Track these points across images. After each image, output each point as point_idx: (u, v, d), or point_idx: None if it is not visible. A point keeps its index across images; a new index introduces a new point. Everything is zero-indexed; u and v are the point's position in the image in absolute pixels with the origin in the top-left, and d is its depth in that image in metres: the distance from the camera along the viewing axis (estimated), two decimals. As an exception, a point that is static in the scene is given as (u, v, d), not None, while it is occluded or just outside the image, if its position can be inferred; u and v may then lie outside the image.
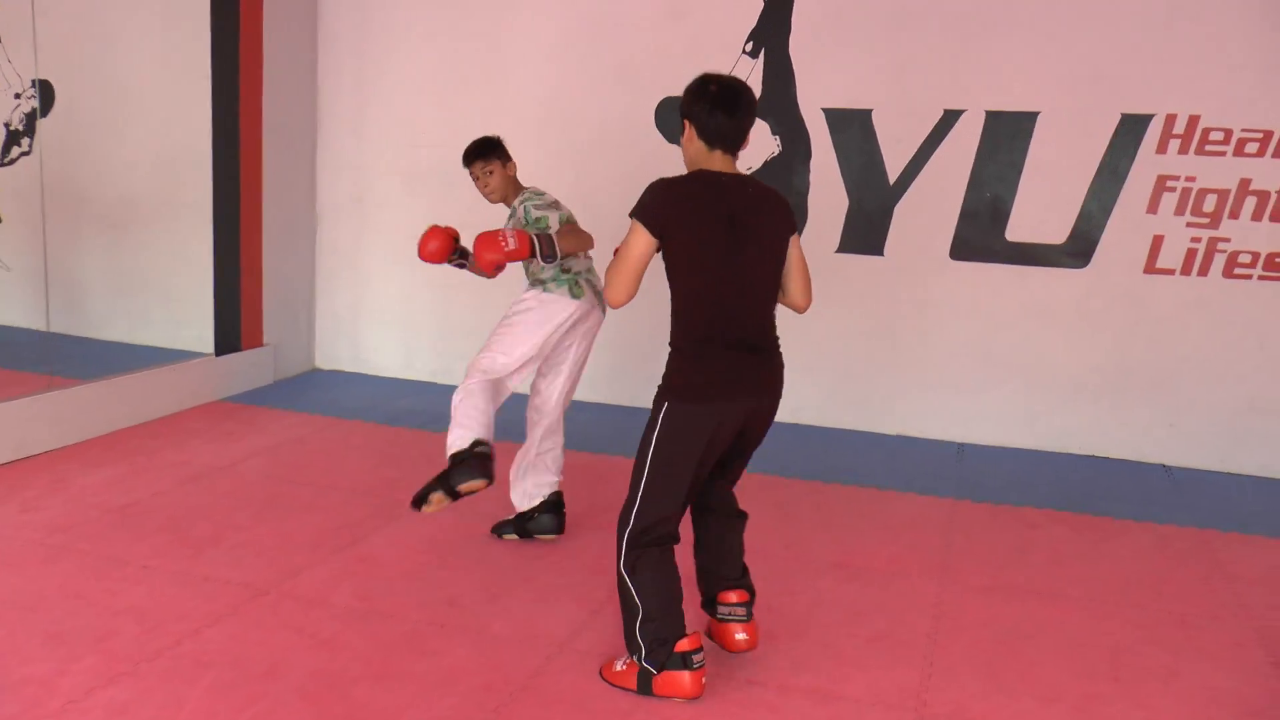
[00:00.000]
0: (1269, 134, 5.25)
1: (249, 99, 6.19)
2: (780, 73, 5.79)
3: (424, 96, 6.54)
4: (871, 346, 5.93)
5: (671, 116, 6.02)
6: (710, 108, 2.84)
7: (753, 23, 5.83)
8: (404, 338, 6.84)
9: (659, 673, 2.94)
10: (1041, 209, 5.58)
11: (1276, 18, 5.18)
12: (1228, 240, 5.39)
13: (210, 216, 6.09)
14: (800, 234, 3.07)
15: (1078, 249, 5.57)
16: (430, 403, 6.24)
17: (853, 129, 5.76)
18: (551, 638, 3.31)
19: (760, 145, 5.89)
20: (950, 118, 5.61)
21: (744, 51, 5.81)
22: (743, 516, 3.22)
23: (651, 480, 2.90)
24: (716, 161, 2.90)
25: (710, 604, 3.20)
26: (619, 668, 3.04)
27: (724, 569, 3.19)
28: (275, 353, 6.60)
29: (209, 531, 4.07)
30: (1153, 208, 5.44)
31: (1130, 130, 5.40)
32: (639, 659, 2.96)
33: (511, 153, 4.16)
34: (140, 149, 6.60)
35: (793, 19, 5.78)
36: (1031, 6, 5.46)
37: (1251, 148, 5.29)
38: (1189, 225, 5.42)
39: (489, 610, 3.49)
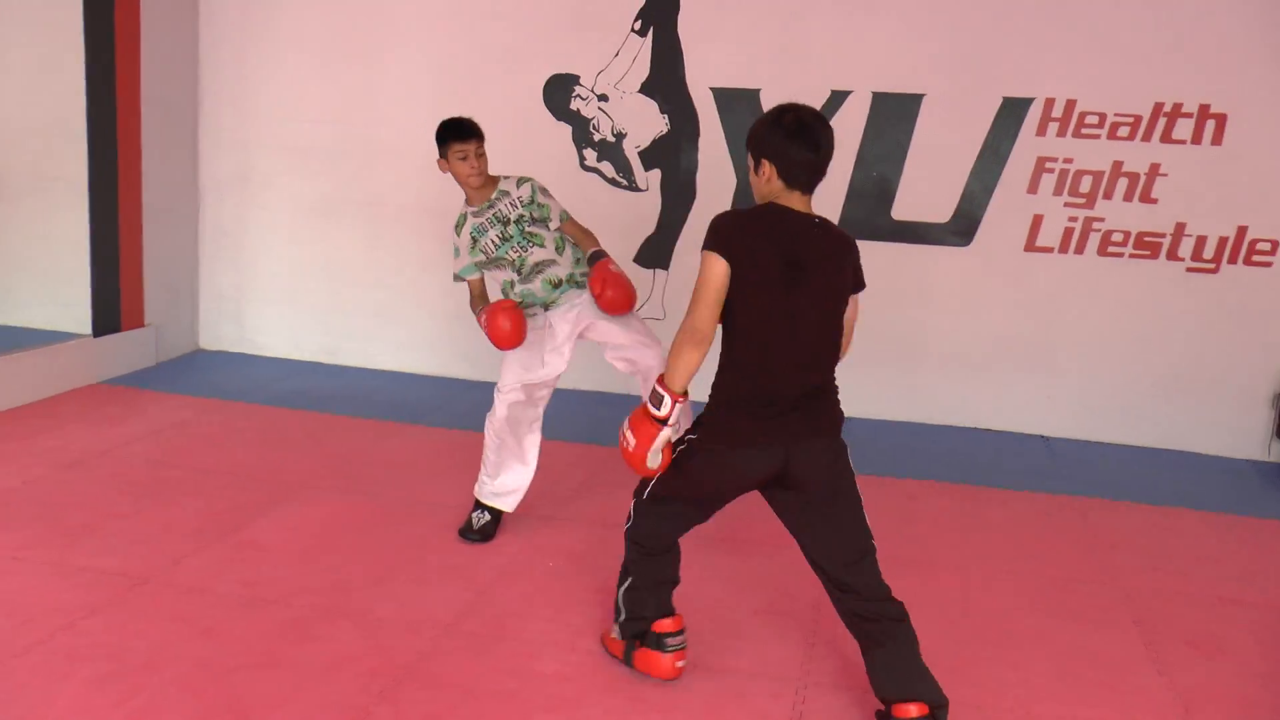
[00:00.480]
0: (1138, 118, 5.46)
1: (125, 68, 5.96)
2: (668, 52, 5.80)
3: (310, 71, 6.38)
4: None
5: (559, 93, 5.97)
6: (798, 146, 2.66)
7: (642, 0, 5.82)
8: (291, 317, 6.69)
9: (638, 648, 2.99)
10: (926, 188, 5.71)
11: (1147, 6, 5.37)
12: (1102, 220, 5.59)
13: (86, 191, 5.86)
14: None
15: (961, 228, 5.72)
16: (318, 383, 6.14)
17: (741, 109, 5.79)
18: (438, 621, 3.29)
19: (649, 123, 5.90)
20: (837, 98, 5.69)
21: (633, 30, 5.80)
22: (898, 611, 2.79)
23: (662, 484, 2.89)
24: (794, 201, 2.72)
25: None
26: (614, 634, 3.09)
27: (894, 681, 2.75)
28: (157, 333, 6.40)
29: (87, 519, 3.95)
30: (1033, 188, 5.62)
31: (1011, 113, 5.55)
32: (617, 623, 3.04)
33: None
34: (7, 120, 6.31)
35: (682, -1, 5.80)
36: (917, -10, 5.56)
37: (1123, 131, 5.48)
38: (1066, 205, 5.61)
39: (375, 594, 3.46)
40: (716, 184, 5.91)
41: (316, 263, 6.54)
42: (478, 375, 6.21)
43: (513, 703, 2.86)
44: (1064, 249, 5.64)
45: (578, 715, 2.83)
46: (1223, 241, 5.48)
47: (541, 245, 3.84)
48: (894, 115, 5.66)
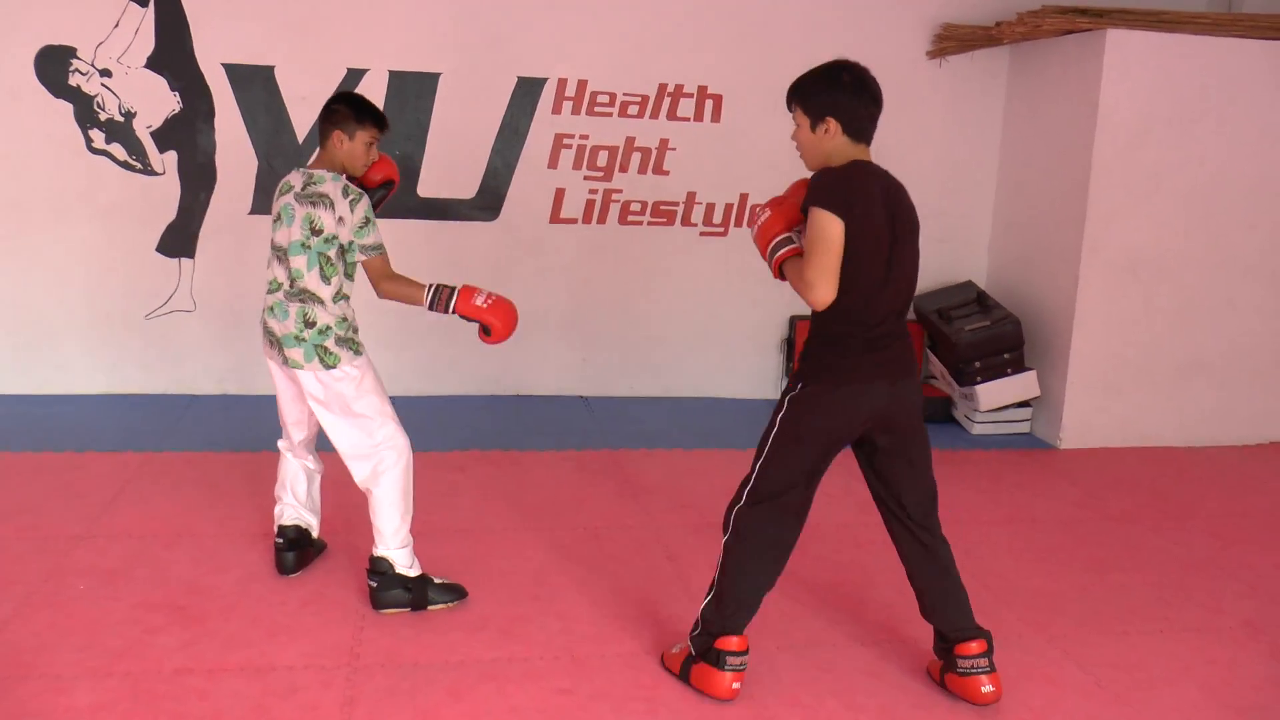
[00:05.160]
0: (646, 98, 5.94)
1: None
2: (174, 24, 5.44)
3: None
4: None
5: (55, 67, 5.41)
6: (863, 100, 2.78)
7: (140, -32, 5.42)
8: None
9: (697, 662, 2.96)
10: (450, 166, 5.84)
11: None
12: (620, 191, 6.03)
13: None
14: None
15: (487, 203, 5.92)
16: None
17: (256, 86, 5.58)
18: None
19: (160, 102, 5.53)
20: (354, 76, 5.64)
21: (132, -1, 5.40)
22: (944, 545, 3.05)
23: (772, 458, 2.90)
24: (865, 154, 2.83)
25: (948, 655, 3.03)
26: (674, 650, 3.09)
27: (956, 616, 3.02)
28: None
29: None
30: (553, 163, 5.93)
31: (527, 92, 5.81)
32: (690, 636, 3.00)
33: None
34: None
35: (176, -32, 5.46)
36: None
37: (633, 110, 5.94)
38: (586, 178, 5.99)
39: None
40: (238, 164, 5.66)
41: None
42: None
43: (37, 744, 2.65)
44: (587, 219, 6.02)
45: (113, 743, 2.68)
46: (729, 208, 6.12)
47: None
48: (412, 94, 5.72)
